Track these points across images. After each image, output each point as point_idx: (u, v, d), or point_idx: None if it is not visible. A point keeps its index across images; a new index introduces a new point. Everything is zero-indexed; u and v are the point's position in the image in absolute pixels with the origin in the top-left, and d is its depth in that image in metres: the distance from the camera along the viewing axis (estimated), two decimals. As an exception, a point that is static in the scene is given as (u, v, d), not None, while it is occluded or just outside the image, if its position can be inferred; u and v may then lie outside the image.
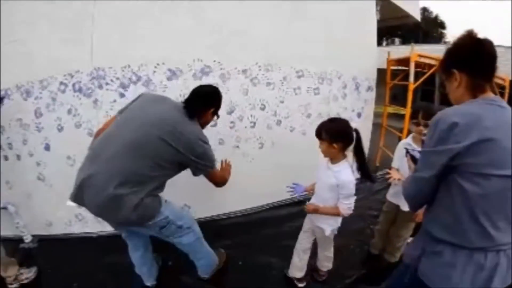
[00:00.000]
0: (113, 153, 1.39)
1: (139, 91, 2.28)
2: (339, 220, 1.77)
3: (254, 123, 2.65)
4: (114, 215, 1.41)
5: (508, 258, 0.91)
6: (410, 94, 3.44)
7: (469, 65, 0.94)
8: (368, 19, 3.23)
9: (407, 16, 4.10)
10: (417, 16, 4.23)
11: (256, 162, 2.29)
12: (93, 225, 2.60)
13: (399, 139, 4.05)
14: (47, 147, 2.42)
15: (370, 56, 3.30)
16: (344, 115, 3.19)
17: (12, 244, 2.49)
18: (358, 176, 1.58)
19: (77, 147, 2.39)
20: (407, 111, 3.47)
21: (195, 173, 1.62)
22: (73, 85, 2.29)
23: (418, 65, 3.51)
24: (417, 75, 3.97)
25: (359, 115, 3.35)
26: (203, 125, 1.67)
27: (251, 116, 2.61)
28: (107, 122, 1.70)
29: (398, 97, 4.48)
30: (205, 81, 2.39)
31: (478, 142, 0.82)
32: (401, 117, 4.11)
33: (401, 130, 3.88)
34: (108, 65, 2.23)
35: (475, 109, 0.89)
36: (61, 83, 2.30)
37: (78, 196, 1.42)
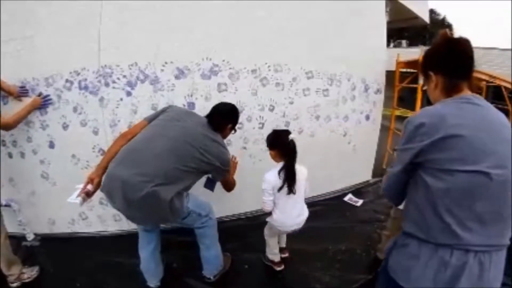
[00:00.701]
0: (155, 156, 1.50)
1: (146, 90, 2.17)
2: (265, 210, 1.87)
3: (263, 124, 2.52)
4: (151, 212, 1.51)
5: (481, 261, 0.85)
6: (419, 97, 3.31)
7: (443, 66, 0.95)
8: (378, 20, 3.10)
9: (416, 17, 3.96)
10: (426, 18, 4.09)
11: (264, 164, 2.18)
12: (96, 224, 2.51)
13: None
14: (52, 145, 2.32)
15: (379, 58, 3.15)
16: (352, 117, 3.06)
17: (15, 242, 2.39)
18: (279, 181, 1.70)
19: (82, 145, 2.30)
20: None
21: (216, 178, 1.82)
22: (79, 82, 2.18)
23: None
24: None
25: (367, 117, 3.21)
26: (223, 137, 1.83)
27: (260, 117, 2.49)
28: (135, 125, 1.78)
29: (404, 100, 4.35)
30: (214, 80, 2.28)
31: (442, 138, 0.82)
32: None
33: None
34: (115, 63, 2.12)
35: (443, 109, 0.89)
36: (67, 80, 2.19)
37: (111, 193, 1.50)
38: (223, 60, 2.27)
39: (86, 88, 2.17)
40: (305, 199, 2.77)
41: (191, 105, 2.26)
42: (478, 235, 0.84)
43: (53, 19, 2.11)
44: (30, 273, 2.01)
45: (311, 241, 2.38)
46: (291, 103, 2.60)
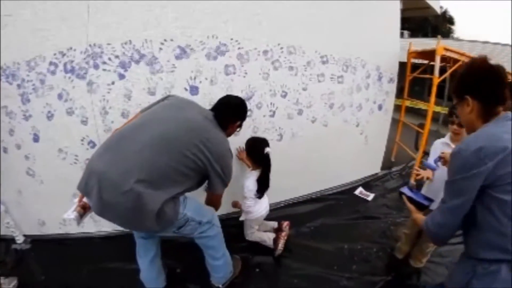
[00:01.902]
0: (140, 145, 1.15)
1: (141, 72, 1.75)
2: (247, 211, 1.93)
3: (274, 112, 2.13)
4: (135, 221, 1.15)
5: None
6: (434, 89, 2.92)
7: (482, 93, 0.91)
8: (392, 6, 2.72)
9: (428, 7, 3.59)
10: (437, 9, 3.72)
11: (274, 155, 1.82)
12: (90, 224, 2.10)
13: (417, 134, 3.59)
14: (36, 138, 1.90)
15: (393, 46, 2.78)
16: (366, 107, 2.69)
17: (4, 245, 2.12)
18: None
19: (69, 138, 1.87)
20: (430, 106, 2.98)
21: (214, 188, 1.38)
22: (65, 65, 1.75)
23: (442, 59, 3.02)
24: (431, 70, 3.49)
25: (380, 107, 2.85)
26: (228, 136, 1.48)
27: (271, 104, 2.09)
28: (128, 120, 1.46)
29: (414, 91, 3.99)
30: (221, 61, 1.86)
31: (505, 156, 0.80)
32: (415, 111, 3.65)
33: (420, 126, 3.41)
34: (105, 40, 1.68)
35: (492, 129, 0.88)
36: (51, 63, 1.76)
37: (87, 191, 1.14)
38: (231, 39, 1.85)
39: (72, 71, 1.74)
40: (315, 193, 2.69)
41: (194, 89, 1.84)
42: None
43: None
44: (7, 285, 1.63)
45: (325, 240, 2.12)
46: (305, 89, 2.20)
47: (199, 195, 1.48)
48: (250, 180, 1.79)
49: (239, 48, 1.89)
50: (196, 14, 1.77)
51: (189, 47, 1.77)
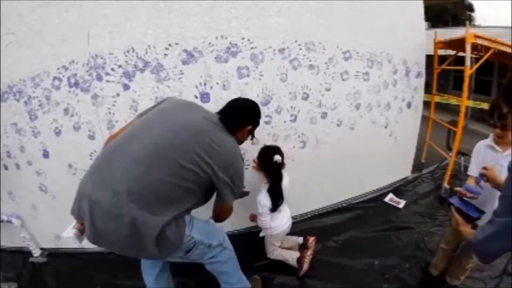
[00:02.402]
0: (130, 160, 0.97)
1: (147, 81, 1.55)
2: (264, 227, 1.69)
3: (295, 117, 1.85)
4: (134, 248, 0.98)
5: None
6: (466, 81, 2.48)
7: None
8: None
9: None
10: None
11: (297, 164, 1.57)
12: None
13: (449, 132, 3.16)
14: (46, 154, 1.79)
15: (418, 37, 2.39)
16: (394, 105, 2.34)
17: (21, 257, 2.07)
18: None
19: (77, 153, 1.73)
20: (463, 101, 2.56)
21: (223, 199, 1.15)
22: (68, 79, 1.60)
23: (473, 48, 2.59)
24: (459, 61, 3.03)
25: (409, 105, 2.48)
26: (237, 143, 1.24)
27: (292, 108, 1.82)
28: (122, 127, 1.20)
29: (442, 85, 3.53)
30: (232, 63, 1.62)
31: None
32: (442, 107, 3.21)
33: (452, 123, 2.99)
34: (107, 50, 1.51)
35: None
36: (55, 78, 1.63)
37: (81, 216, 0.97)
38: (243, 38, 1.60)
39: (76, 84, 1.59)
40: (342, 202, 2.40)
41: (205, 96, 1.62)
42: None
43: (35, 9, 1.54)
44: None
45: (354, 255, 1.88)
46: (328, 89, 1.91)
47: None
48: (263, 194, 1.58)
49: (252, 48, 1.64)
50: (201, 14, 1.54)
51: (196, 50, 1.54)
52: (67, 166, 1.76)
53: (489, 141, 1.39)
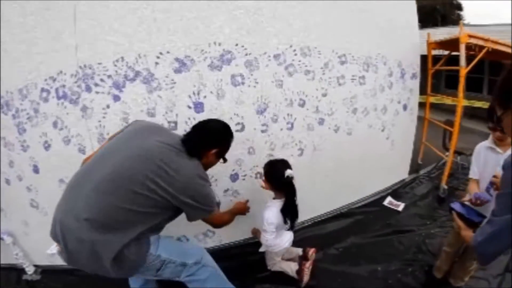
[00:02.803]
0: (90, 186, 1.01)
1: (138, 91, 1.45)
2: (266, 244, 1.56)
3: (292, 124, 1.77)
4: (100, 269, 1.01)
5: None
6: (462, 81, 2.44)
7: None
8: None
9: None
10: None
11: (295, 172, 1.48)
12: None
13: (444, 132, 3.11)
14: (36, 169, 1.69)
15: (412, 38, 2.36)
16: (390, 108, 2.29)
17: (15, 274, 1.97)
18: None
19: (68, 167, 1.61)
20: (459, 101, 2.52)
21: (191, 218, 1.16)
22: (56, 90, 1.51)
23: (466, 47, 2.55)
24: (452, 60, 3.00)
25: (405, 107, 2.42)
26: (205, 167, 1.20)
27: (288, 115, 1.74)
28: (96, 150, 1.26)
29: (434, 85, 3.50)
30: (226, 71, 1.54)
31: None
32: (435, 107, 3.17)
33: (447, 123, 2.95)
34: (96, 60, 1.42)
35: None
36: (43, 89, 1.54)
37: (58, 240, 1.01)
38: (236, 45, 1.53)
39: (64, 96, 1.49)
40: (341, 208, 2.31)
41: (199, 105, 1.53)
42: None
43: (19, 19, 1.47)
44: None
45: (356, 262, 1.82)
46: (324, 95, 1.84)
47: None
48: (271, 211, 1.44)
49: (246, 54, 1.56)
50: (193, 21, 1.46)
51: (188, 58, 1.46)
52: (58, 181, 1.66)
53: (489, 142, 1.34)
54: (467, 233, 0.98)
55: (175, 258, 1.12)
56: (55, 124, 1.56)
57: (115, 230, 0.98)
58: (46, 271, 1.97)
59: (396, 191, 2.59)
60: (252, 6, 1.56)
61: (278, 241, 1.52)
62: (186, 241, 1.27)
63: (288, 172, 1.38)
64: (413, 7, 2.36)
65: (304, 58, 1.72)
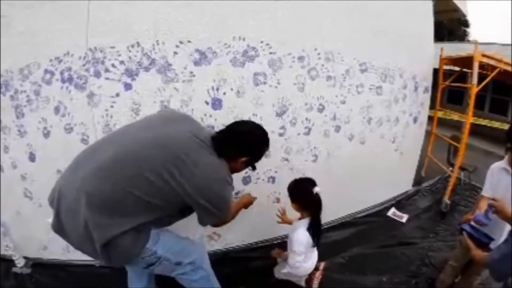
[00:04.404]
0: (96, 164, 0.86)
1: (152, 81, 1.25)
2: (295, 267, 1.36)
3: (309, 129, 1.61)
4: (89, 249, 0.88)
5: None
6: (472, 99, 2.34)
7: None
8: (425, 11, 2.17)
9: (455, 10, 3.02)
10: (465, 11, 3.14)
11: None
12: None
13: (449, 147, 3.01)
14: (32, 157, 1.47)
15: (427, 52, 2.25)
16: (402, 120, 2.16)
17: (4, 266, 1.74)
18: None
19: (68, 158, 1.37)
20: (468, 118, 2.41)
21: (204, 222, 1.00)
22: (61, 73, 1.30)
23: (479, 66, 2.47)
24: (459, 77, 2.92)
25: (415, 120, 2.30)
26: (230, 171, 1.01)
27: (306, 119, 1.58)
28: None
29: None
30: (249, 69, 1.36)
31: None
32: (442, 122, 3.08)
33: (454, 139, 2.86)
34: (108, 43, 1.22)
35: None
36: (46, 71, 1.33)
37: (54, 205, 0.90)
38: (262, 42, 1.35)
39: (70, 80, 1.29)
40: (346, 217, 2.16)
41: (217, 102, 1.34)
42: None
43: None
44: None
45: (362, 272, 1.72)
46: (343, 102, 1.68)
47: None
48: (301, 232, 1.28)
49: (270, 53, 1.38)
50: (218, 11, 1.27)
51: (210, 50, 1.27)
52: (56, 172, 1.43)
53: (503, 163, 1.25)
54: (477, 253, 1.00)
55: (171, 257, 0.98)
56: (57, 110, 1.35)
57: (114, 214, 0.84)
58: (36, 265, 1.73)
59: (400, 202, 2.46)
60: (280, 5, 1.39)
61: (308, 264, 1.35)
62: (187, 239, 1.09)
63: (316, 189, 1.24)
64: (430, 21, 2.25)
65: (327, 63, 1.56)
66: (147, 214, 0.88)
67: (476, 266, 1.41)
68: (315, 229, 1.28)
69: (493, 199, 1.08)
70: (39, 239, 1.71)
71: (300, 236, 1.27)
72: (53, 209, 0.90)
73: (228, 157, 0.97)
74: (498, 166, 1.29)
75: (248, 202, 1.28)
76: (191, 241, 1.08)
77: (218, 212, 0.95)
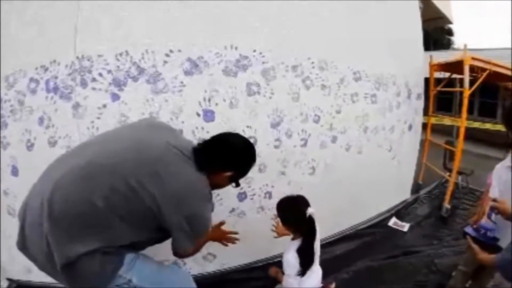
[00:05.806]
0: (62, 171, 0.75)
1: (141, 92, 1.16)
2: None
3: (306, 141, 1.51)
4: (48, 268, 0.75)
5: None
6: (465, 102, 2.31)
7: None
8: (413, 18, 2.17)
9: (441, 17, 3.03)
10: (451, 17, 3.15)
11: (305, 192, 1.22)
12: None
13: (445, 152, 2.94)
14: (15, 172, 1.34)
15: (418, 59, 2.23)
16: (398, 128, 2.08)
17: None
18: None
19: (52, 173, 1.33)
20: (462, 122, 2.36)
21: (178, 245, 0.84)
22: (47, 82, 1.21)
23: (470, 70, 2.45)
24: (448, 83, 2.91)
25: (410, 127, 2.23)
26: (212, 186, 0.88)
27: (302, 131, 1.48)
28: None
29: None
30: (242, 78, 1.28)
31: None
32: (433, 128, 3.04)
33: (448, 144, 2.80)
34: (96, 51, 1.14)
35: None
36: (31, 79, 1.23)
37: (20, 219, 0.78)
38: (255, 51, 1.28)
39: (55, 89, 1.19)
40: (348, 229, 2.04)
41: (209, 114, 1.25)
42: None
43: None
44: None
45: (368, 286, 1.64)
46: (338, 112, 1.60)
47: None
48: (291, 253, 1.15)
49: (263, 63, 1.31)
50: (210, 19, 1.21)
51: (201, 59, 1.19)
52: (39, 187, 1.33)
53: (508, 161, 1.20)
54: (484, 256, 0.97)
55: (147, 286, 0.83)
56: (41, 121, 1.24)
57: (79, 229, 0.72)
58: (20, 287, 1.57)
59: (399, 211, 2.36)
60: (273, 13, 1.33)
61: (307, 285, 1.18)
62: (169, 266, 0.95)
63: (310, 210, 1.11)
64: (419, 29, 2.25)
65: (321, 72, 1.49)
66: (114, 234, 0.75)
67: (489, 269, 1.31)
68: (304, 254, 1.13)
69: (493, 200, 1.04)
70: (23, 260, 1.54)
71: (291, 258, 1.14)
72: (19, 223, 0.77)
73: (210, 171, 0.85)
74: (502, 165, 1.23)
75: (218, 238, 1.10)
76: (173, 268, 0.94)
77: (195, 234, 0.82)
